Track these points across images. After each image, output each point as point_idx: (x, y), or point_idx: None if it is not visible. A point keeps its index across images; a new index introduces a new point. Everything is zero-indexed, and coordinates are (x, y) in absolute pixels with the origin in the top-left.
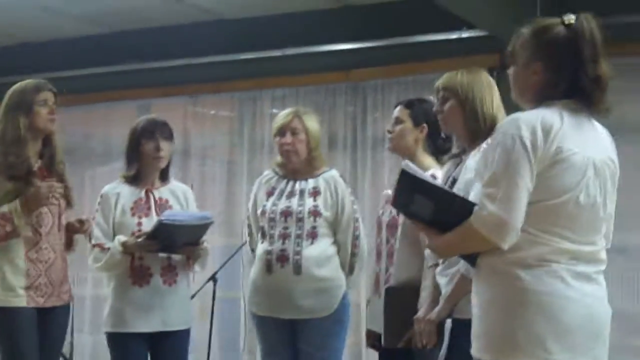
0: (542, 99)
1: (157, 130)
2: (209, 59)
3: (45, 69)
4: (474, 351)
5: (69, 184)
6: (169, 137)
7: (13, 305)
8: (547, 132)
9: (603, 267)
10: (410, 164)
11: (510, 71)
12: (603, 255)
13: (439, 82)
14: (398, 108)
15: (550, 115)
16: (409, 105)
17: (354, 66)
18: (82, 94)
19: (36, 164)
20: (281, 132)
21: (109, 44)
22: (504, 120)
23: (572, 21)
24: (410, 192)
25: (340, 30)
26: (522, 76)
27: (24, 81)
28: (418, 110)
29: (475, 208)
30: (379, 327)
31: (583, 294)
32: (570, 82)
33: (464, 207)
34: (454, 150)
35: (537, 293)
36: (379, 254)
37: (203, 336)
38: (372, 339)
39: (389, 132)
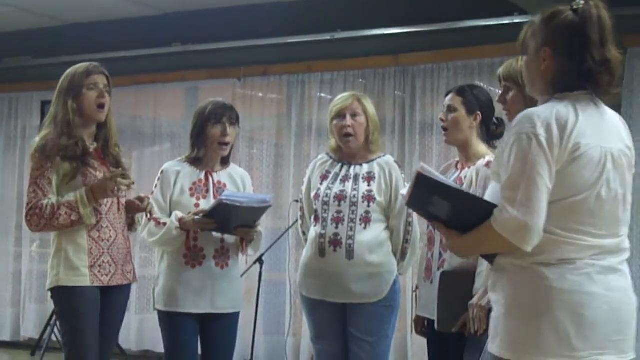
0: (553, 89)
1: (225, 114)
2: (258, 42)
3: (95, 50)
4: (495, 349)
5: (125, 166)
6: (236, 122)
7: (77, 285)
8: (562, 128)
9: (627, 256)
10: (426, 167)
11: (522, 61)
12: (626, 244)
13: (500, 72)
14: (450, 96)
15: (564, 110)
16: (460, 92)
17: (404, 50)
18: (131, 75)
19: (92, 146)
20: (340, 114)
21: (158, 26)
22: (517, 118)
23: (580, 5)
24: (428, 194)
25: (390, 14)
26: (533, 64)
27: (78, 65)
28: (471, 98)
29: (496, 211)
30: (429, 313)
31: (607, 288)
32: (579, 66)
33: (483, 208)
34: None
35: (561, 291)
36: (430, 240)
37: (248, 318)
38: (421, 326)
39: (442, 120)
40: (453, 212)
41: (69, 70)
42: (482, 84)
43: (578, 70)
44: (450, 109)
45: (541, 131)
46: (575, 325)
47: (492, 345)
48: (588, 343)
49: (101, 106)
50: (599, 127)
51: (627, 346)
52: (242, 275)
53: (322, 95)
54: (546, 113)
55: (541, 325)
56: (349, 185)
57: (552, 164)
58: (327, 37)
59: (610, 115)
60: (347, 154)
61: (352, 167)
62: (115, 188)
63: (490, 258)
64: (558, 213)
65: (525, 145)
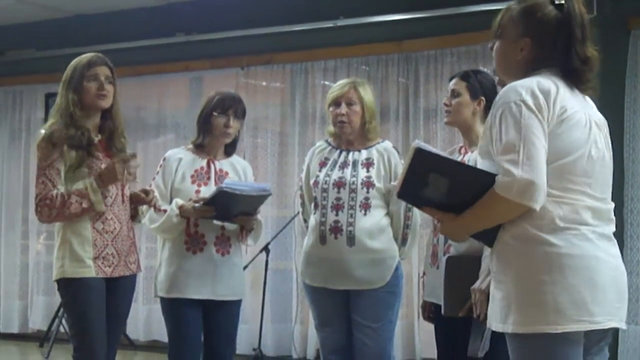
0: (529, 72)
1: (231, 107)
2: (260, 31)
3: (99, 41)
4: (510, 328)
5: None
6: (241, 115)
7: (82, 276)
8: (546, 94)
9: (614, 228)
10: (422, 142)
11: (496, 45)
12: (613, 214)
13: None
14: (454, 80)
15: (544, 81)
16: (465, 77)
17: (407, 37)
18: (135, 66)
19: (96, 138)
20: (336, 102)
21: (161, 16)
22: (500, 93)
23: (563, 1)
24: (425, 172)
25: (393, 1)
26: (510, 51)
27: (82, 55)
28: (475, 82)
29: (498, 177)
30: (436, 299)
31: (608, 254)
32: (562, 61)
33: (482, 180)
34: None
35: (571, 257)
36: (435, 226)
37: (255, 307)
38: (429, 311)
39: (446, 105)
40: (450, 190)
41: (73, 62)
42: (485, 69)
43: (563, 67)
44: (454, 93)
45: (527, 97)
46: (589, 289)
47: (506, 325)
48: (602, 307)
49: (102, 95)
50: (577, 98)
51: (624, 314)
52: (247, 265)
53: (326, 83)
54: (528, 82)
55: (557, 293)
56: (347, 171)
57: (544, 125)
58: (329, 24)
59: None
60: (345, 140)
61: (351, 154)
62: (125, 172)
63: (488, 240)
64: (554, 174)
65: (515, 111)
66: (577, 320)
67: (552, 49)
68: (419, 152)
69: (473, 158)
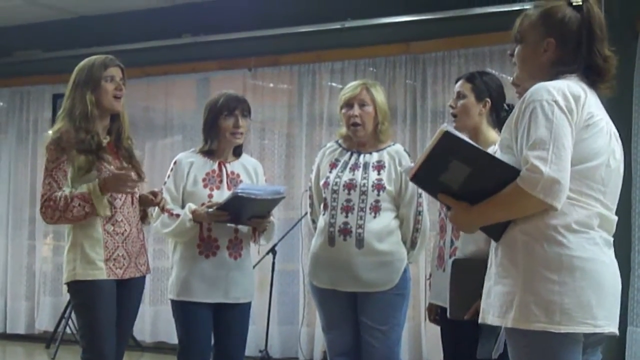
0: (554, 75)
1: (237, 107)
2: (268, 32)
3: (106, 42)
4: (510, 322)
5: (137, 159)
6: (248, 114)
7: (94, 278)
8: (576, 98)
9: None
10: (451, 127)
11: (517, 50)
12: (615, 227)
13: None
14: (460, 82)
15: (574, 85)
16: (470, 79)
17: (414, 38)
18: (142, 67)
19: (105, 140)
20: (349, 104)
21: (168, 17)
22: (531, 90)
23: (580, 2)
24: (448, 157)
25: (400, 2)
26: (533, 53)
27: (92, 57)
28: (480, 84)
29: (523, 172)
30: (442, 301)
31: (611, 260)
32: (586, 60)
33: (506, 173)
34: None
35: (581, 259)
36: (442, 228)
37: (262, 308)
38: (434, 313)
39: (452, 107)
40: (469, 179)
41: (85, 63)
42: (493, 71)
43: (587, 67)
44: (460, 95)
45: (559, 98)
46: (596, 293)
47: (505, 320)
48: (605, 312)
49: (118, 97)
50: (600, 104)
51: (617, 319)
52: (255, 266)
53: (333, 84)
54: (559, 84)
55: (564, 293)
56: (358, 173)
57: (573, 128)
58: (337, 26)
59: None
60: (356, 142)
61: (362, 156)
62: (127, 188)
63: (495, 233)
64: (574, 178)
65: (547, 110)
66: (582, 322)
67: (576, 48)
68: (446, 135)
69: None
